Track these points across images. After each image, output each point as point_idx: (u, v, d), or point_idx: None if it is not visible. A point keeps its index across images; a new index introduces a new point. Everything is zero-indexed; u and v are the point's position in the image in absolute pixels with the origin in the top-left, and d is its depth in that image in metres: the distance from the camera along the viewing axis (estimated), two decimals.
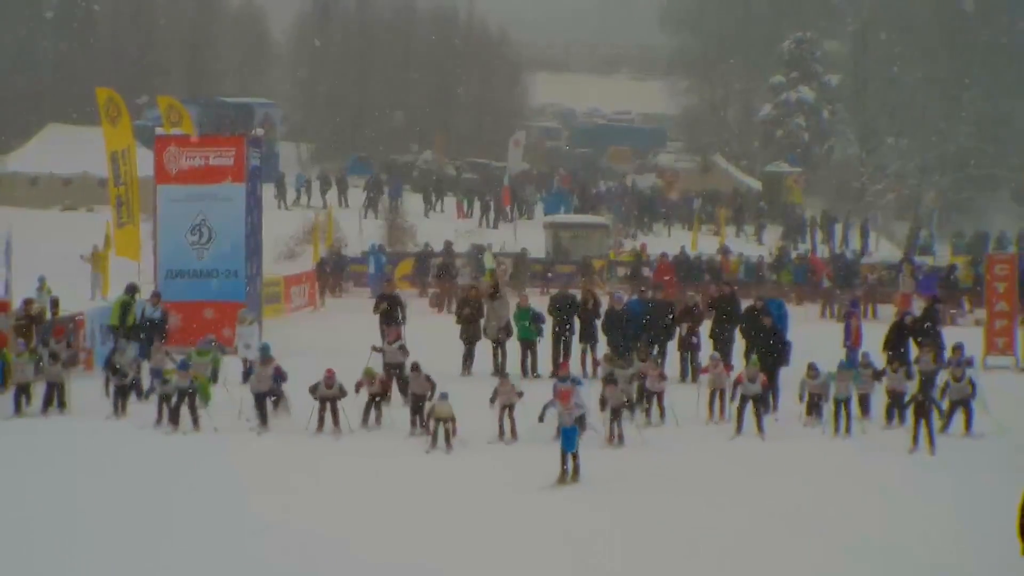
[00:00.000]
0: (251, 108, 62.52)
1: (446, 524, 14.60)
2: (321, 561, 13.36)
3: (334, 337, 27.48)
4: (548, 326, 24.36)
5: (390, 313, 24.09)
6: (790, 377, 20.70)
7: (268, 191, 39.29)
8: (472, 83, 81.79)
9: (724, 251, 39.71)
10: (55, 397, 20.33)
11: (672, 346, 23.88)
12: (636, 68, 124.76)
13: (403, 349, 21.23)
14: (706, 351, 23.09)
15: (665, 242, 43.85)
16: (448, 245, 37.75)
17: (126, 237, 32.52)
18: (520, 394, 18.65)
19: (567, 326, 24.34)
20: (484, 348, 24.23)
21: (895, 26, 69.06)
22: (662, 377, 20.21)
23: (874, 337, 23.21)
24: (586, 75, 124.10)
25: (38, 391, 20.48)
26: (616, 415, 18.48)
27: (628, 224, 49.69)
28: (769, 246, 44.77)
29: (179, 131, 33.07)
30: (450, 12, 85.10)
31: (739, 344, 22.82)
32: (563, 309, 24.48)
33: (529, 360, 24.09)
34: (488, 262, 37.22)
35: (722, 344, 23.27)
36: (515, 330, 24.27)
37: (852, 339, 23.68)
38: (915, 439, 18.14)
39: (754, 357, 20.34)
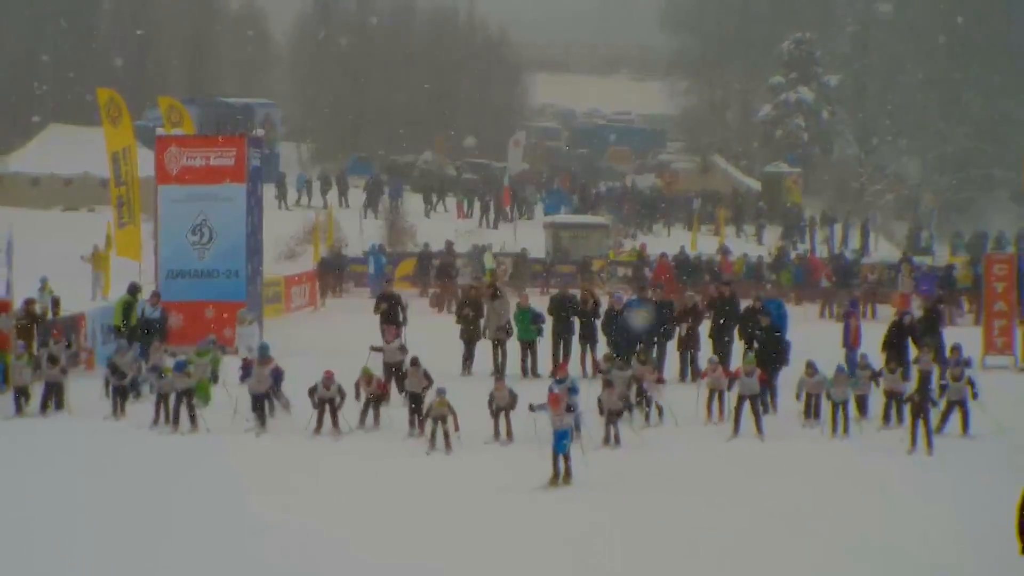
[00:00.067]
0: (252, 108, 62.52)
1: (445, 524, 14.63)
2: (321, 561, 13.38)
3: (334, 337, 27.50)
4: (548, 326, 24.40)
5: (390, 313, 24.13)
6: (789, 377, 20.74)
7: (269, 191, 39.33)
8: (472, 83, 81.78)
9: (724, 251, 39.77)
10: (53, 398, 20.36)
11: (672, 346, 23.92)
12: (636, 69, 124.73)
13: (402, 348, 21.27)
14: (705, 351, 23.15)
15: (665, 242, 43.87)
16: (449, 245, 37.79)
17: (127, 237, 32.56)
18: (515, 397, 18.62)
19: (567, 326, 24.38)
20: (484, 348, 24.27)
21: (895, 27, 69.12)
22: (660, 381, 20.21)
23: (873, 337, 23.23)
24: (586, 75, 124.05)
25: (37, 392, 20.51)
26: (612, 418, 18.49)
27: (628, 224, 49.72)
28: (769, 246, 44.80)
29: (180, 131, 33.13)
30: (450, 12, 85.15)
31: (738, 344, 22.85)
32: (563, 309, 24.51)
33: (529, 360, 24.12)
34: (488, 262, 37.26)
35: (721, 344, 23.30)
36: (515, 330, 24.31)
37: (851, 339, 23.70)
38: (913, 439, 18.18)
39: (750, 355, 20.37)
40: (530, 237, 43.27)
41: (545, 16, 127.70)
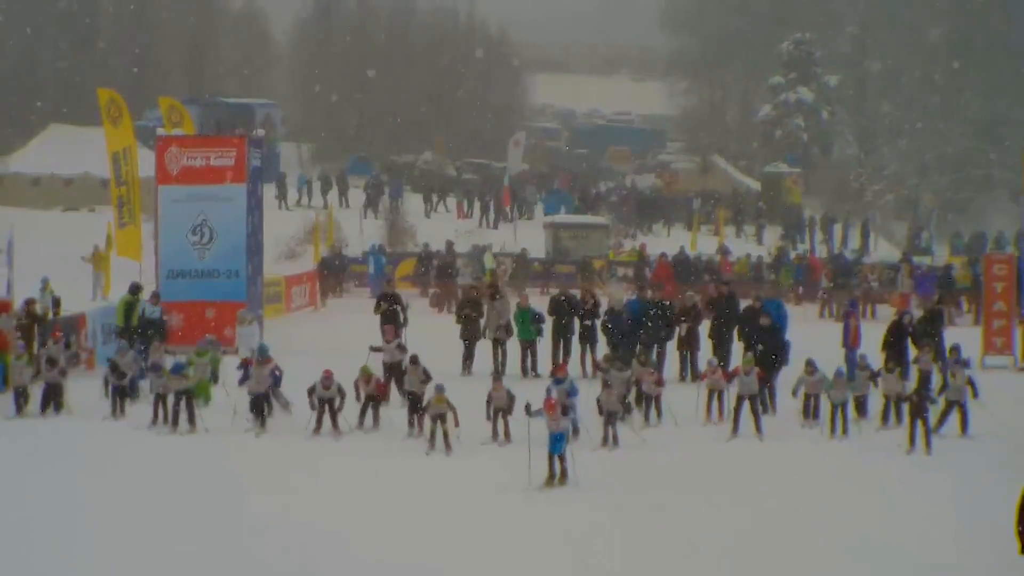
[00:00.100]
0: (252, 108, 62.59)
1: (445, 524, 14.65)
2: (321, 561, 13.39)
3: (335, 337, 27.51)
4: (548, 326, 24.42)
5: (390, 313, 24.14)
6: (789, 377, 20.74)
7: (269, 191, 39.36)
8: (472, 84, 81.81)
9: (723, 251, 39.79)
10: (52, 399, 20.38)
11: (671, 346, 23.95)
12: (636, 69, 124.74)
13: (400, 348, 21.29)
14: (705, 351, 23.16)
15: (664, 242, 43.89)
16: (450, 245, 37.82)
17: (127, 237, 32.56)
18: (513, 398, 18.59)
19: (567, 326, 24.40)
20: (484, 348, 24.29)
21: (895, 27, 69.14)
22: (659, 384, 20.21)
23: (873, 337, 23.25)
24: (586, 76, 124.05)
25: (36, 393, 20.50)
26: (611, 418, 18.51)
27: (628, 224, 49.75)
28: (768, 246, 44.83)
29: (180, 131, 33.14)
30: (450, 13, 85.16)
31: (737, 344, 22.86)
32: (563, 309, 24.53)
33: (529, 360, 24.14)
34: (488, 262, 37.29)
35: (721, 344, 23.32)
36: (515, 330, 24.33)
37: (851, 339, 23.70)
38: (912, 439, 18.19)
39: (748, 355, 20.40)
40: (530, 237, 43.30)
41: (545, 16, 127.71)
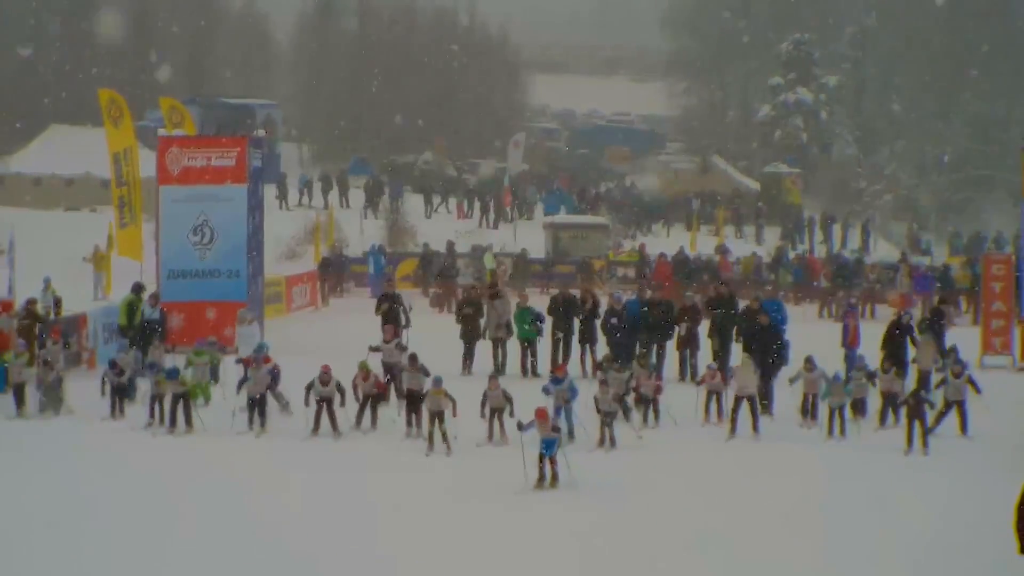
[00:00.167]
0: (253, 109, 62.67)
1: (445, 524, 14.67)
2: (321, 561, 13.42)
3: (335, 337, 27.53)
4: (548, 326, 24.47)
5: (391, 313, 24.18)
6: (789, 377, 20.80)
7: (269, 191, 39.40)
8: (472, 84, 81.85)
9: (722, 251, 39.84)
10: (51, 400, 20.41)
11: (671, 346, 24.00)
12: (635, 69, 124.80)
13: (399, 347, 21.32)
14: (705, 351, 23.21)
15: (664, 242, 43.96)
16: (450, 245, 37.88)
17: (128, 237, 32.60)
18: (509, 398, 18.55)
19: (567, 326, 24.45)
20: (484, 348, 24.34)
21: (894, 27, 69.17)
22: (658, 392, 20.23)
23: (872, 337, 23.29)
24: (585, 76, 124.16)
25: (35, 394, 20.51)
26: (607, 419, 18.53)
27: (628, 224, 49.80)
28: (768, 246, 44.89)
29: (181, 132, 33.19)
30: (450, 13, 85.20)
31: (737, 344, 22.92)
32: (563, 309, 24.58)
33: (529, 360, 24.20)
34: (488, 262, 37.35)
35: (721, 344, 23.36)
36: (515, 330, 24.38)
37: (850, 339, 23.75)
38: (909, 440, 18.24)
39: (745, 356, 20.45)
40: (530, 237, 43.36)
41: (545, 17, 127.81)
